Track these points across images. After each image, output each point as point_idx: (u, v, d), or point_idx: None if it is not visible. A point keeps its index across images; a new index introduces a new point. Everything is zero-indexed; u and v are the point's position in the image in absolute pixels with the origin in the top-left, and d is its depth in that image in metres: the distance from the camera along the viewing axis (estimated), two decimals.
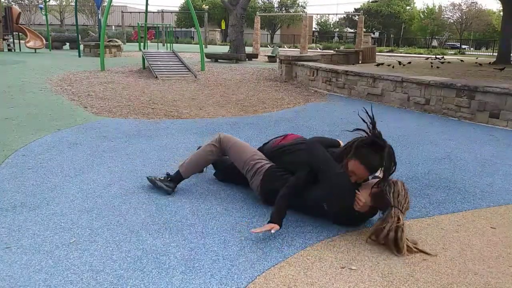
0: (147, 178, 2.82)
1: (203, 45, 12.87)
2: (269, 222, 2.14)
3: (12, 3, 38.98)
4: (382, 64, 12.74)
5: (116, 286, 1.71)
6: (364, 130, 2.23)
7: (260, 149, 2.79)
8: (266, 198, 2.52)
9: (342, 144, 2.50)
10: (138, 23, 16.22)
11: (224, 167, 2.92)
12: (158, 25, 20.43)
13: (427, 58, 18.58)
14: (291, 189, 2.27)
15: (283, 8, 49.66)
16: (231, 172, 2.81)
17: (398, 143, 4.16)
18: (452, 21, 46.56)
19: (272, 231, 2.08)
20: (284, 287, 1.74)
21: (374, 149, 2.14)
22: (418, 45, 40.11)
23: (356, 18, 27.31)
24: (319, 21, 55.64)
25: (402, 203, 2.06)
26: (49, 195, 2.62)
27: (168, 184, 2.69)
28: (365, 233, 2.23)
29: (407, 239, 2.04)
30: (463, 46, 37.39)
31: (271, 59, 16.32)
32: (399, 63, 13.38)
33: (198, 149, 2.88)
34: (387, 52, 28.88)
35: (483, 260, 2.00)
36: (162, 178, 2.74)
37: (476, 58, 19.48)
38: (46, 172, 3.05)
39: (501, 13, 17.00)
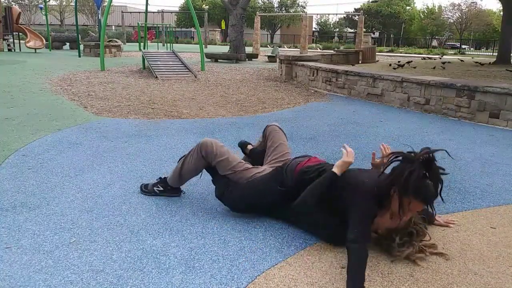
0: (144, 191, 2.69)
1: (203, 45, 12.87)
2: None
3: (12, 3, 38.98)
4: (400, 66, 12.41)
5: (116, 286, 1.71)
6: (414, 152, 1.89)
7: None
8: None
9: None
10: (138, 23, 16.24)
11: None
12: (158, 25, 20.43)
13: (424, 58, 18.69)
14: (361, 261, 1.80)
15: (283, 8, 49.67)
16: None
17: (398, 143, 4.16)
18: (452, 21, 46.57)
19: None
20: (284, 287, 1.74)
21: (427, 180, 1.85)
22: (418, 45, 40.14)
23: (356, 18, 27.30)
24: (319, 21, 55.70)
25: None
26: (49, 195, 2.62)
27: (172, 194, 2.65)
28: None
29: (423, 245, 2.01)
30: (463, 46, 37.39)
31: (271, 59, 16.34)
32: (397, 64, 13.33)
33: (182, 160, 2.52)
34: (387, 52, 28.90)
35: (483, 260, 2.00)
36: (161, 188, 2.64)
37: (472, 58, 19.44)
38: (46, 172, 3.05)
39: (501, 13, 17.01)
